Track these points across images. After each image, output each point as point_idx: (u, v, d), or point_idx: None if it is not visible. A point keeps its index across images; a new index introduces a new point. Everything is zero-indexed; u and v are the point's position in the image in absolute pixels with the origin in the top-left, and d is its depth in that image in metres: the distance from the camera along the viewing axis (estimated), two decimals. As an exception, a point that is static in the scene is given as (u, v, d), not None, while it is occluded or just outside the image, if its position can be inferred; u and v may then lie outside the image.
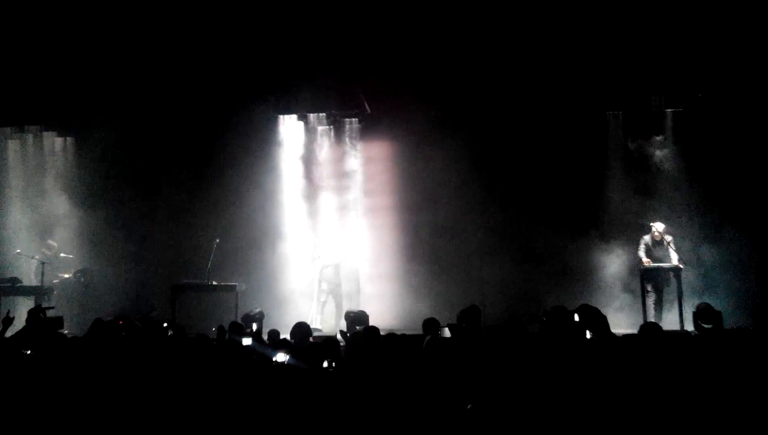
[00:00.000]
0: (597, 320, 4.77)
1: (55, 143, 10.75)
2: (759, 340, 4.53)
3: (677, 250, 8.33)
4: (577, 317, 4.79)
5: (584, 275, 9.09)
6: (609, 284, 9.04)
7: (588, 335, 4.73)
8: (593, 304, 7.83)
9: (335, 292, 9.47)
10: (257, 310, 8.66)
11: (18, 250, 9.82)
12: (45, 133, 10.71)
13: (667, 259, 8.44)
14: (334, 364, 4.49)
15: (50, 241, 9.94)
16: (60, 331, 6.12)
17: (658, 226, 8.60)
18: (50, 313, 5.98)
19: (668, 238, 8.53)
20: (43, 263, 9.30)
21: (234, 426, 3.81)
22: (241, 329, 5.58)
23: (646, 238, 8.62)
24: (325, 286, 9.43)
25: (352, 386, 4.04)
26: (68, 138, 10.70)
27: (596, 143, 9.45)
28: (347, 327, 8.54)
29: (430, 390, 3.89)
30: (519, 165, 9.53)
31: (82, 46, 9.37)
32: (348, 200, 10.22)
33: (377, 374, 4.06)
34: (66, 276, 9.83)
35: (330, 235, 9.71)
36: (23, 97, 9.89)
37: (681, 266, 8.21)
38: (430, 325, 5.80)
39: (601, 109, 9.51)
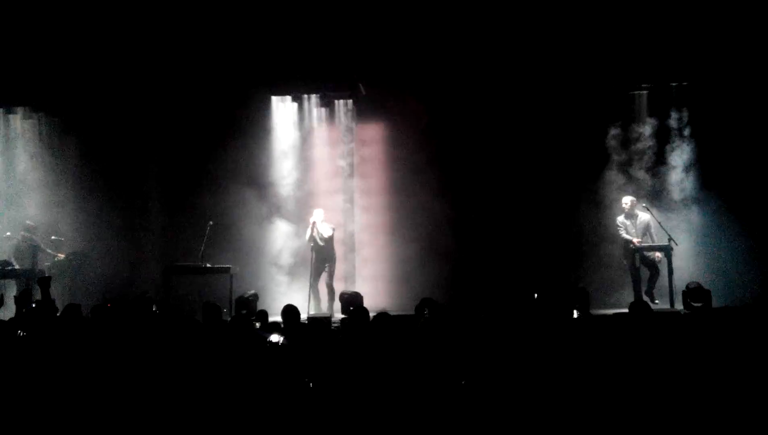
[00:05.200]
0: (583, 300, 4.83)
1: (42, 123, 10.56)
2: (747, 317, 4.58)
3: (661, 227, 8.33)
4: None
5: (581, 256, 9.09)
6: (606, 264, 9.03)
7: (575, 314, 4.80)
8: (592, 284, 8.05)
9: (329, 269, 9.26)
10: (251, 292, 8.64)
11: (9, 233, 9.76)
12: (28, 113, 10.52)
13: (647, 233, 8.47)
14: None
15: (28, 222, 9.77)
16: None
17: (625, 200, 8.63)
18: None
19: (644, 214, 8.54)
20: (34, 247, 9.23)
21: (223, 406, 3.83)
22: (219, 311, 5.46)
23: (620, 218, 8.61)
24: (317, 265, 9.23)
25: (345, 365, 4.07)
26: (53, 118, 10.47)
27: (595, 123, 9.36)
28: (342, 309, 8.56)
29: (424, 367, 3.95)
30: (514, 149, 9.46)
31: (70, 27, 9.23)
32: (341, 182, 10.13)
33: (370, 354, 4.10)
34: (60, 256, 9.78)
35: (321, 212, 9.42)
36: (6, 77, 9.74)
37: (672, 245, 8.19)
38: (426, 305, 5.81)
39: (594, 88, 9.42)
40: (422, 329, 5.01)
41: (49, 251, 9.74)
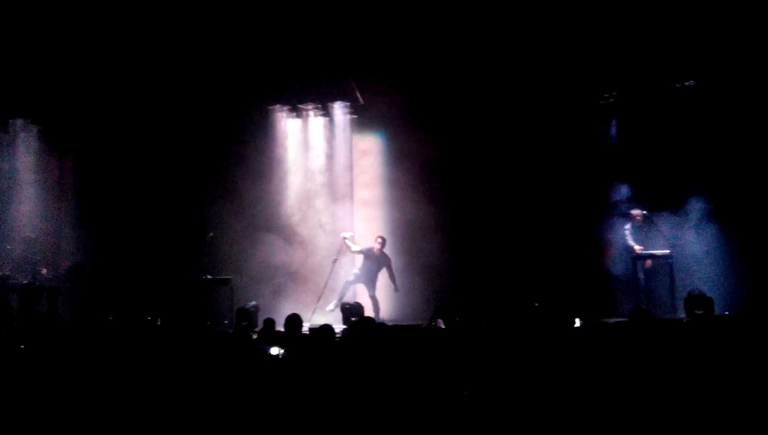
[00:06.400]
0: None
1: (41, 135, 10.50)
2: (748, 325, 4.58)
3: (663, 236, 8.39)
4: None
5: (578, 266, 9.03)
6: (601, 274, 9.01)
7: (577, 323, 4.79)
8: (586, 294, 8.03)
9: (369, 282, 9.22)
10: (252, 303, 8.64)
11: (9, 246, 9.74)
12: (28, 125, 10.52)
13: (652, 243, 8.54)
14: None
15: (28, 235, 9.70)
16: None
17: (636, 212, 8.78)
18: None
19: (648, 223, 8.66)
20: (34, 260, 9.23)
21: (222, 418, 3.82)
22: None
23: (628, 226, 8.75)
24: (364, 277, 9.18)
25: (347, 375, 4.07)
26: (53, 130, 10.42)
27: (582, 130, 9.37)
28: (343, 319, 8.54)
29: (425, 376, 3.93)
30: (512, 156, 9.47)
31: (74, 39, 9.28)
32: (340, 192, 10.20)
33: (372, 363, 4.10)
34: (60, 269, 9.75)
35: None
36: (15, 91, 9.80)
37: (673, 253, 8.25)
38: (442, 312, 5.75)
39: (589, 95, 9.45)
40: (432, 339, 5.02)
41: (49, 265, 9.72)
